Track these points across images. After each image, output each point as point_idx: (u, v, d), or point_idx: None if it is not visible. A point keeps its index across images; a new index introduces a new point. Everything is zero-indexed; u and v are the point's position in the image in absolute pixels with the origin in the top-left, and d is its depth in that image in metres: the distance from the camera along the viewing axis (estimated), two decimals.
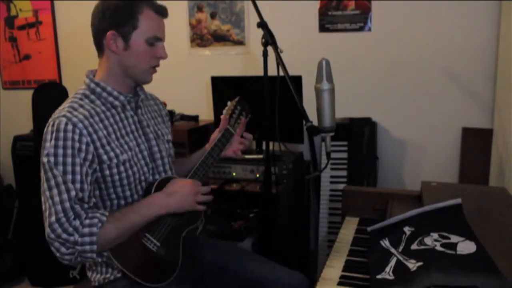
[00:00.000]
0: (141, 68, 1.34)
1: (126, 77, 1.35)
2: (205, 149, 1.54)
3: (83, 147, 1.22)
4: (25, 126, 2.96)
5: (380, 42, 2.42)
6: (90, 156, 1.23)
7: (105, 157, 1.26)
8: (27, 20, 3.18)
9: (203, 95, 2.79)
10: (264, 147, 1.73)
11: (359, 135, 2.36)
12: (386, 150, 2.48)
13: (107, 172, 1.28)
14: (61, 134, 1.20)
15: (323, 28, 2.51)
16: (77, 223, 1.17)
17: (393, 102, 2.45)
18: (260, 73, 1.63)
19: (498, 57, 2.22)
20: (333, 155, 2.33)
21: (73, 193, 1.18)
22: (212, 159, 1.48)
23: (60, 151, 1.19)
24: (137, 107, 1.42)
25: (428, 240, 1.10)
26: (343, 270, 1.23)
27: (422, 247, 1.08)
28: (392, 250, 1.16)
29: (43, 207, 1.20)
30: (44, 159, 1.20)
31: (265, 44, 1.53)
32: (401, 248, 1.14)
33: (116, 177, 1.29)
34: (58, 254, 1.18)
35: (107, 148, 1.27)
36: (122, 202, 1.33)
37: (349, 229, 1.52)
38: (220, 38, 2.74)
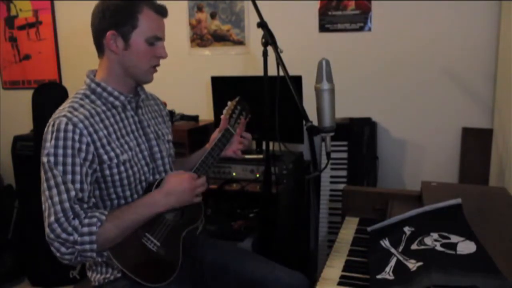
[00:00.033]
0: (142, 68, 1.34)
1: (126, 77, 1.35)
2: (205, 149, 1.54)
3: (83, 147, 1.22)
4: (25, 126, 2.96)
5: (380, 42, 2.42)
6: (90, 156, 1.23)
7: (105, 157, 1.26)
8: (27, 20, 3.18)
9: (203, 95, 2.79)
10: (264, 147, 1.73)
11: (359, 135, 2.36)
12: (386, 150, 2.48)
13: (107, 172, 1.28)
14: (61, 134, 1.20)
15: (323, 28, 2.51)
16: (76, 222, 1.17)
17: (393, 102, 2.45)
18: (260, 73, 1.63)
19: (498, 57, 2.22)
20: (333, 155, 2.33)
21: (72, 193, 1.18)
22: (212, 159, 1.48)
23: (60, 151, 1.19)
24: (138, 107, 1.42)
25: (428, 240, 1.10)
26: (343, 270, 1.23)
27: (422, 247, 1.08)
28: (392, 250, 1.16)
29: (43, 206, 1.20)
30: (44, 159, 1.20)
31: (265, 44, 1.53)
32: (401, 248, 1.14)
33: (116, 177, 1.29)
34: (58, 254, 1.18)
35: (108, 148, 1.27)
36: (122, 202, 1.33)
37: (349, 229, 1.52)
38: (220, 38, 2.74)
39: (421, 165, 2.46)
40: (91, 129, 1.24)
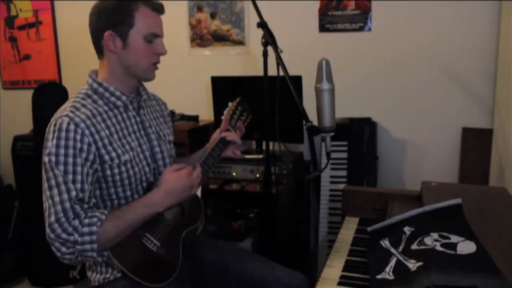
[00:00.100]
0: (142, 66, 1.34)
1: (128, 76, 1.35)
2: (206, 149, 1.53)
3: (85, 147, 1.22)
4: (25, 126, 2.96)
5: (380, 42, 2.42)
6: (91, 156, 1.23)
7: (107, 157, 1.26)
8: (27, 20, 3.18)
9: (203, 95, 2.79)
10: (264, 147, 1.73)
11: (359, 135, 2.36)
12: (386, 150, 2.48)
13: (108, 172, 1.28)
14: (63, 134, 1.20)
15: (323, 28, 2.51)
16: (76, 222, 1.17)
17: (393, 102, 2.45)
18: (260, 73, 1.63)
19: (498, 57, 2.22)
20: (333, 155, 2.33)
21: (73, 193, 1.18)
22: (213, 160, 1.48)
23: (62, 151, 1.19)
24: (140, 107, 1.42)
25: (428, 240, 1.10)
26: (343, 270, 1.23)
27: (422, 247, 1.08)
28: (392, 250, 1.16)
29: (44, 206, 1.20)
30: (45, 159, 1.20)
31: (265, 44, 1.53)
32: (401, 248, 1.14)
33: (117, 177, 1.29)
34: (58, 254, 1.18)
35: (109, 148, 1.27)
36: (123, 202, 1.33)
37: (349, 229, 1.52)
38: (220, 38, 2.74)
39: (421, 165, 2.46)
40: (92, 129, 1.24)
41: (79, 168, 1.20)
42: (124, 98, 1.35)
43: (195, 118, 2.65)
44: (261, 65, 1.60)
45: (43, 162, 1.20)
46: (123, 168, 1.30)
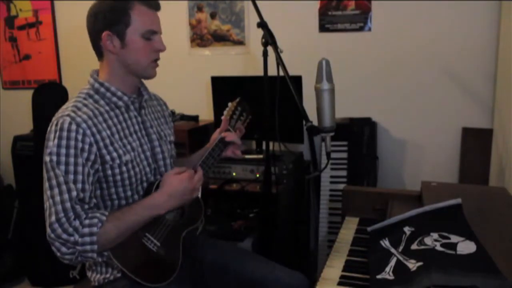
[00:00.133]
0: (142, 64, 1.33)
1: (129, 75, 1.35)
2: (206, 149, 1.53)
3: (86, 147, 1.22)
4: (25, 126, 2.96)
5: (380, 42, 2.42)
6: (92, 157, 1.24)
7: (108, 157, 1.27)
8: (27, 20, 3.18)
9: (203, 95, 2.79)
10: (264, 147, 1.73)
11: (359, 135, 2.36)
12: (386, 150, 2.48)
13: (109, 172, 1.28)
14: (65, 134, 1.20)
15: (323, 28, 2.51)
16: (77, 223, 1.17)
17: (393, 102, 2.45)
18: (260, 73, 1.63)
19: (498, 57, 2.22)
20: (333, 155, 2.33)
21: (74, 193, 1.18)
22: (213, 160, 1.48)
23: (63, 151, 1.19)
24: (141, 107, 1.42)
25: (428, 240, 1.10)
26: (343, 270, 1.23)
27: (422, 247, 1.08)
28: (392, 250, 1.16)
29: (45, 206, 1.20)
30: (47, 158, 1.20)
31: (265, 44, 1.53)
32: (401, 248, 1.14)
33: (118, 177, 1.29)
34: (58, 254, 1.18)
35: (110, 148, 1.27)
36: (123, 202, 1.33)
37: (349, 229, 1.52)
38: (220, 38, 2.74)
39: (421, 165, 2.45)
40: (94, 129, 1.25)
41: (80, 168, 1.20)
42: (125, 98, 1.35)
43: (195, 118, 2.65)
44: (261, 65, 1.60)
45: (44, 161, 1.20)
46: (124, 168, 1.30)
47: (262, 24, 1.52)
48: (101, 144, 1.25)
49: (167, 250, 1.33)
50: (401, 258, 1.09)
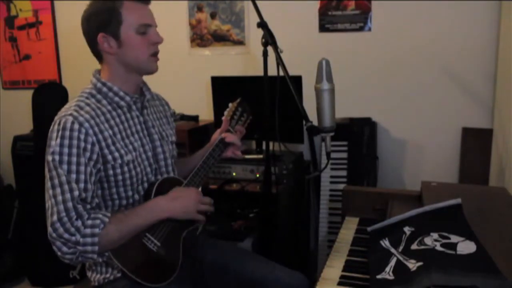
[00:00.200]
0: (141, 59, 1.33)
1: (130, 74, 1.35)
2: (206, 150, 1.54)
3: (89, 146, 1.22)
4: (25, 126, 2.96)
5: (380, 42, 2.42)
6: (95, 156, 1.24)
7: (110, 157, 1.27)
8: (27, 20, 3.18)
9: (203, 95, 2.79)
10: (264, 147, 1.73)
11: (359, 135, 2.36)
12: (386, 150, 2.48)
13: (111, 172, 1.28)
14: (67, 133, 1.20)
15: (323, 28, 2.51)
16: (79, 223, 1.17)
17: (393, 102, 2.45)
18: (260, 73, 1.63)
19: (498, 57, 2.22)
20: (333, 155, 2.33)
21: (76, 193, 1.18)
22: (213, 160, 1.48)
23: (66, 150, 1.19)
24: (143, 107, 1.42)
25: (428, 240, 1.10)
26: (343, 270, 1.23)
27: (422, 247, 1.08)
28: (392, 250, 1.16)
29: (46, 205, 1.20)
30: (49, 157, 1.20)
31: (265, 44, 1.53)
32: (401, 248, 1.14)
33: (120, 177, 1.30)
34: (59, 253, 1.18)
35: (112, 148, 1.28)
36: (124, 202, 1.34)
37: (349, 229, 1.52)
38: (220, 38, 2.74)
39: (421, 165, 2.45)
40: (96, 128, 1.25)
41: (82, 168, 1.20)
42: (127, 98, 1.35)
43: (195, 118, 2.65)
44: (261, 65, 1.60)
45: (47, 160, 1.20)
46: (125, 168, 1.30)
47: (262, 24, 1.52)
48: (103, 144, 1.25)
49: (167, 250, 1.33)
50: (401, 258, 1.09)
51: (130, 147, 1.33)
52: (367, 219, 1.54)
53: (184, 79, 2.83)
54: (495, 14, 2.21)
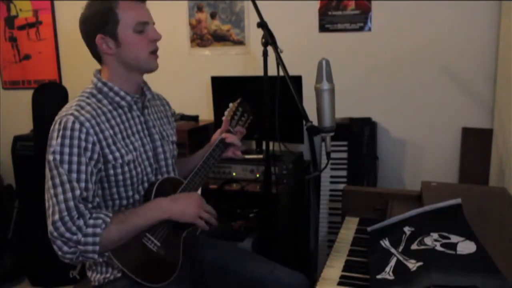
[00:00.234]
0: (141, 58, 1.33)
1: (131, 73, 1.35)
2: (206, 150, 1.54)
3: (89, 146, 1.22)
4: (25, 126, 2.96)
5: (380, 42, 2.42)
6: (95, 156, 1.24)
7: (110, 157, 1.27)
8: (27, 20, 3.18)
9: (203, 95, 2.79)
10: (264, 147, 1.73)
11: (359, 135, 2.36)
12: (386, 150, 2.48)
13: (111, 171, 1.28)
14: (68, 133, 1.20)
15: (323, 28, 2.51)
16: (81, 222, 1.17)
17: (393, 102, 2.45)
18: (260, 73, 1.63)
19: (498, 57, 2.22)
20: (333, 155, 2.33)
21: (77, 192, 1.18)
22: (213, 160, 1.48)
23: (66, 150, 1.19)
24: (144, 107, 1.42)
25: (428, 240, 1.10)
26: (343, 270, 1.23)
27: (422, 247, 1.08)
28: (392, 250, 1.16)
29: (47, 204, 1.20)
30: (50, 157, 1.20)
31: (265, 44, 1.53)
32: (401, 248, 1.14)
33: (120, 177, 1.30)
34: (60, 253, 1.18)
35: (113, 148, 1.28)
36: (124, 202, 1.34)
37: (349, 229, 1.52)
38: (220, 38, 2.74)
39: (421, 165, 2.45)
40: (97, 128, 1.25)
41: (83, 167, 1.20)
42: (128, 98, 1.35)
43: (195, 118, 2.65)
44: (261, 65, 1.60)
45: (47, 160, 1.20)
46: (126, 168, 1.30)
47: (262, 24, 1.52)
48: (104, 143, 1.26)
49: (167, 250, 1.33)
50: (401, 258, 1.09)
51: (131, 147, 1.33)
52: (367, 219, 1.54)
53: (184, 79, 2.83)
54: (495, 14, 2.21)
